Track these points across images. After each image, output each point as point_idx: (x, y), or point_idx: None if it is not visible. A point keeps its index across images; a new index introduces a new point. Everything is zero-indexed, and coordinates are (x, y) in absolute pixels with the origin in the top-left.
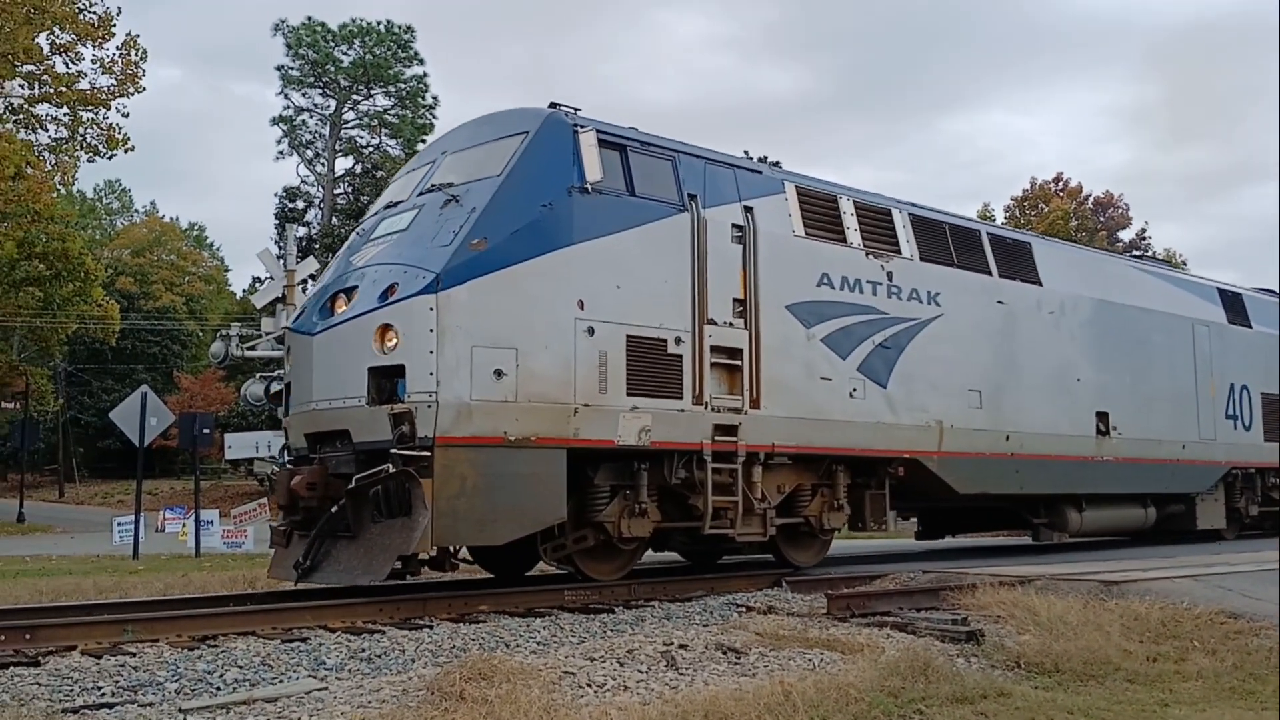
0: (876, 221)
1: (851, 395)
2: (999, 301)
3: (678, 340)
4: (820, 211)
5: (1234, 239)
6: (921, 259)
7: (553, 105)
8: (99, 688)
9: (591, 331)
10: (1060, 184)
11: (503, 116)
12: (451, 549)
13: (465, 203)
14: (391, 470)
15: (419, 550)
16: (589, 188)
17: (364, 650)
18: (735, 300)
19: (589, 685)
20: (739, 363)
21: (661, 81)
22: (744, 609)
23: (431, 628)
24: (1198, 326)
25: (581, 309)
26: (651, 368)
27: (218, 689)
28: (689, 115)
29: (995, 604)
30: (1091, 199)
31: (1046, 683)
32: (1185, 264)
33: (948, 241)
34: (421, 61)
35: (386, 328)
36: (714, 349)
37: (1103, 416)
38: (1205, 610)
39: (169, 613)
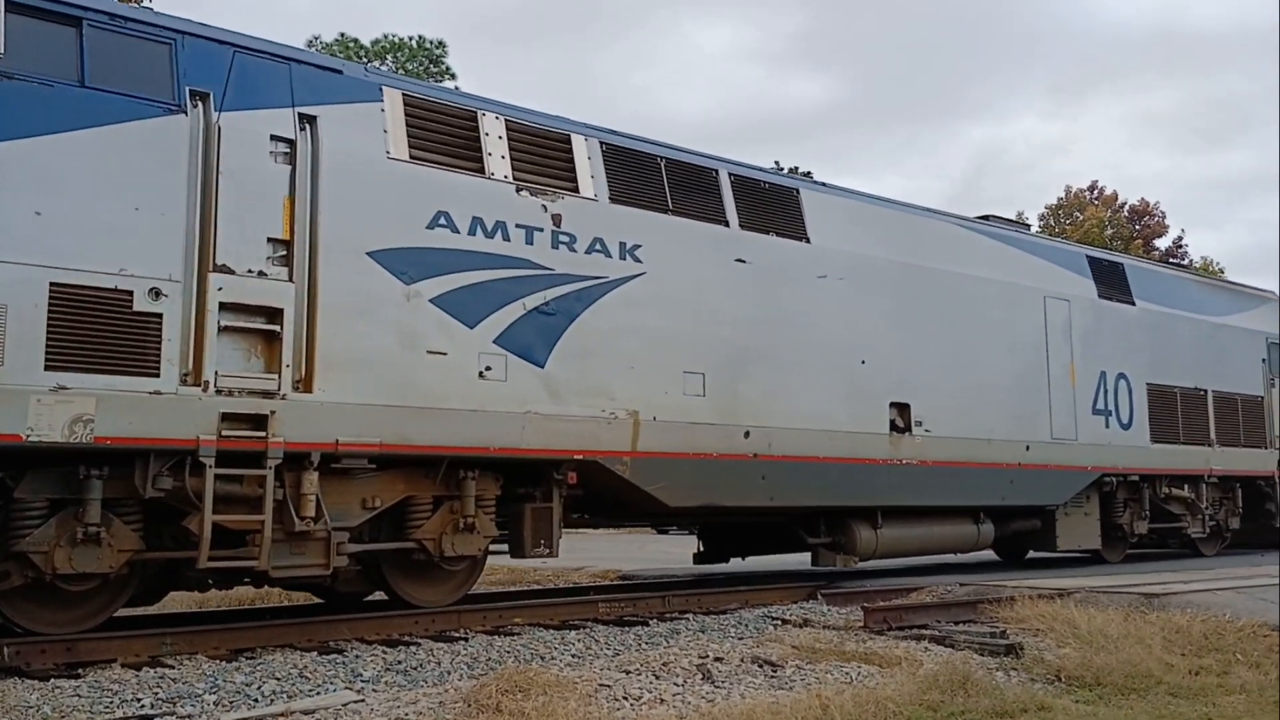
0: (541, 149)
1: (482, 376)
2: (739, 260)
3: (156, 293)
4: (442, 130)
5: (1273, 245)
6: (613, 200)
7: None
8: (138, 699)
9: None
10: (1095, 192)
11: None
12: None
13: None
14: None
15: None
16: None
17: (400, 662)
18: (275, 241)
19: (625, 698)
20: (278, 327)
21: (692, 92)
22: (779, 622)
23: (466, 640)
24: (1052, 301)
25: None
26: (99, 330)
27: (255, 700)
28: (721, 126)
29: (1034, 617)
30: (1127, 207)
31: (1087, 696)
32: (1223, 271)
33: (661, 180)
34: (454, 76)
35: None
36: (228, 307)
37: (901, 409)
38: (1248, 623)
39: (206, 626)
